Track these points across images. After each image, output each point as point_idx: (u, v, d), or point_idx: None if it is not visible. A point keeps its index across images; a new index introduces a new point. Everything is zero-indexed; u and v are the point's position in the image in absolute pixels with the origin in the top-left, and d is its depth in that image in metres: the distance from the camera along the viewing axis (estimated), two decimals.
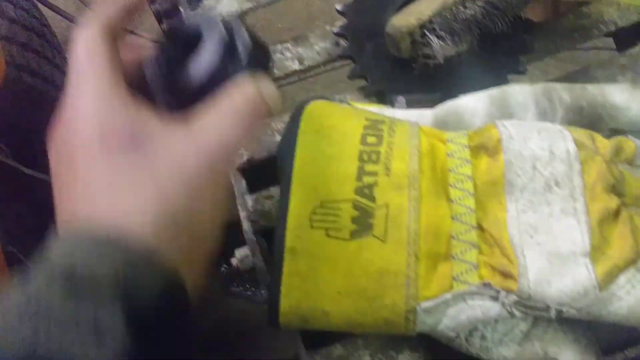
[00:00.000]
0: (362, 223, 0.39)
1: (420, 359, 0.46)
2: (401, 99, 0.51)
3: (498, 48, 0.53)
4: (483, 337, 0.39)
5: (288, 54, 0.57)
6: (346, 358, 0.46)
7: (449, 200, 0.41)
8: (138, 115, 0.32)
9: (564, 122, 0.47)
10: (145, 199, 0.30)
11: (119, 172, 0.30)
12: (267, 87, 0.35)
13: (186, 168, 0.31)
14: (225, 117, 0.33)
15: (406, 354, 0.46)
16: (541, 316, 0.37)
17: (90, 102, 0.32)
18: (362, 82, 0.56)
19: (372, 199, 0.40)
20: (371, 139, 0.42)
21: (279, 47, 0.58)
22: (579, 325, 0.40)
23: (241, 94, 0.34)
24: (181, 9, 0.62)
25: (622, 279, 0.36)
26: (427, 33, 0.49)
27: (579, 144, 0.42)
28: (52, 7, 1.72)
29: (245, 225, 0.52)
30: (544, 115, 0.47)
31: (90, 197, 0.30)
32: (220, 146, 0.33)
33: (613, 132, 0.48)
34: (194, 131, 0.33)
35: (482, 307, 0.37)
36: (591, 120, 0.47)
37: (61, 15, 1.79)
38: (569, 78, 0.55)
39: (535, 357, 0.38)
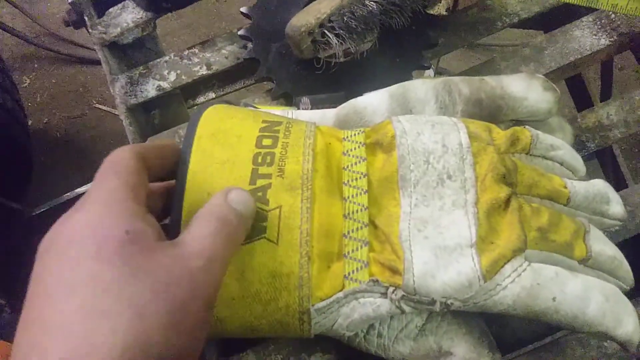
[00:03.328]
0: (255, 226, 0.38)
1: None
2: (305, 99, 0.51)
3: (402, 44, 0.53)
4: (380, 335, 0.39)
5: (195, 60, 0.56)
6: None
7: (343, 198, 0.40)
8: (141, 230, 0.31)
9: (464, 115, 0.47)
10: (122, 330, 0.27)
11: (101, 285, 0.28)
12: (238, 196, 0.36)
13: (171, 290, 0.29)
14: (206, 233, 0.33)
15: (318, 356, 0.46)
16: (431, 310, 0.37)
17: (96, 206, 0.31)
18: (269, 85, 0.55)
19: (266, 201, 0.39)
20: (266, 141, 0.42)
21: (186, 52, 0.57)
22: (473, 317, 0.40)
23: (215, 210, 0.34)
24: (86, 19, 0.61)
25: (507, 268, 0.37)
26: (327, 32, 0.49)
27: (472, 136, 0.42)
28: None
29: None
30: (444, 109, 0.47)
31: (65, 322, 0.27)
32: (203, 260, 0.31)
33: (515, 123, 0.49)
34: (181, 248, 0.31)
35: (372, 305, 0.37)
36: (491, 112, 0.47)
37: (9, 32, 1.77)
38: (473, 71, 0.55)
39: (430, 351, 0.38)
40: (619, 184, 0.94)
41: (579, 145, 0.53)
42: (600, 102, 0.73)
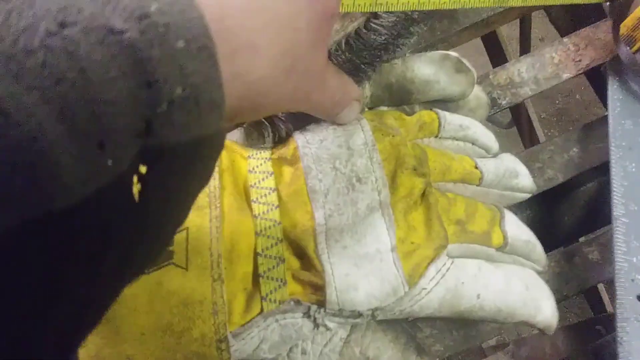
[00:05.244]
0: None
1: None
2: None
3: None
4: (304, 352, 0.37)
5: None
6: None
7: (253, 216, 0.38)
8: None
9: (375, 100, 0.45)
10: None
11: None
12: None
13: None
14: None
15: None
16: (357, 323, 0.36)
17: None
18: None
19: None
20: None
21: None
22: (397, 322, 0.39)
23: None
24: None
25: (431, 270, 0.35)
26: None
27: (376, 130, 0.40)
28: None
29: None
30: None
31: None
32: None
33: (428, 105, 0.47)
34: None
35: (295, 326, 0.35)
36: (401, 96, 0.45)
37: None
38: None
39: None
40: None
41: (491, 102, 0.52)
42: None
